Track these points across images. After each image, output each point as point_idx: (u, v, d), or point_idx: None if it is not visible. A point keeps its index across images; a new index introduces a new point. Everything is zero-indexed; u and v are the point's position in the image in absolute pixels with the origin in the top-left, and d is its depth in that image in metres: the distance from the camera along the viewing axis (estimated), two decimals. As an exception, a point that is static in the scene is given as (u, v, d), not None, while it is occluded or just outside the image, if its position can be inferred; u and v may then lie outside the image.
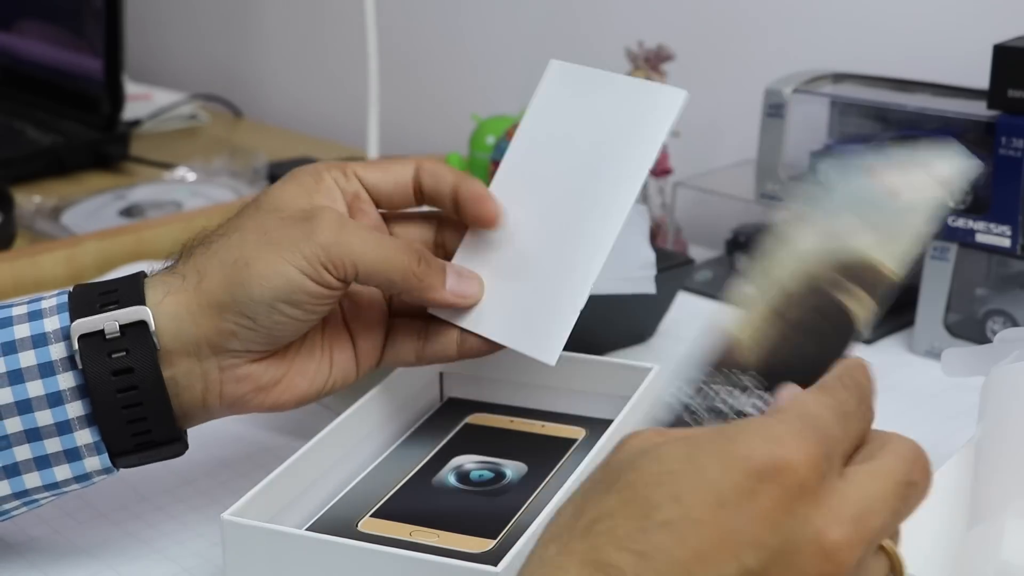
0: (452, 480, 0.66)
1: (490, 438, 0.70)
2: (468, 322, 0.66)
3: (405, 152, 1.32)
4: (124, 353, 0.60)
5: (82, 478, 0.62)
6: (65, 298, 0.62)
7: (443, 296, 0.65)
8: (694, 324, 0.95)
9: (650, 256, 0.82)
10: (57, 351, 0.60)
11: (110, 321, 0.60)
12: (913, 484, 0.45)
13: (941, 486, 0.59)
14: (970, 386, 0.68)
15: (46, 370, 0.60)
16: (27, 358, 0.60)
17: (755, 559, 0.41)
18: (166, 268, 0.63)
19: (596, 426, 0.70)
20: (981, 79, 0.86)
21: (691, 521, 0.42)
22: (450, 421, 0.72)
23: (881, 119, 0.94)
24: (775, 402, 0.48)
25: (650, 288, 0.80)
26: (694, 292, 1.01)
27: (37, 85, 1.43)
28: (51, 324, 0.60)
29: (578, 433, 0.70)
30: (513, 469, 0.66)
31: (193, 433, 0.65)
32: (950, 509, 0.57)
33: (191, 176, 1.25)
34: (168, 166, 1.29)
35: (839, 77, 0.99)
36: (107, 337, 0.60)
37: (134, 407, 0.60)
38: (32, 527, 0.69)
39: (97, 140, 1.33)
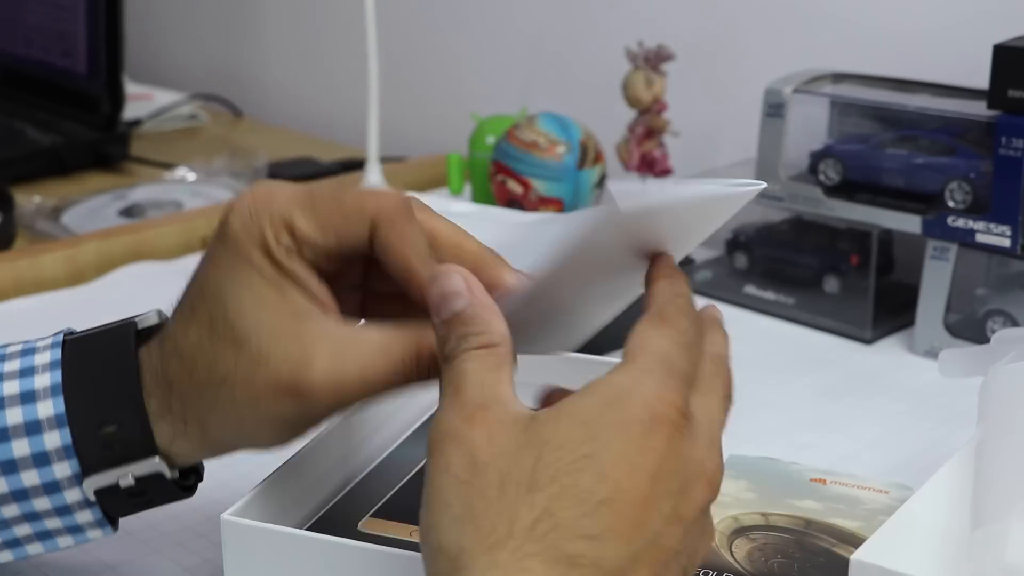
0: None
1: None
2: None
3: (405, 152, 1.32)
4: (143, 495, 0.59)
5: (84, 542, 0.61)
6: (59, 377, 0.57)
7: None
8: (694, 324, 0.95)
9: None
10: (52, 440, 0.57)
11: (126, 477, 0.57)
12: (729, 396, 0.51)
13: (942, 487, 0.59)
14: (970, 386, 0.68)
15: (52, 488, 0.58)
16: (20, 447, 0.57)
17: (669, 506, 0.46)
18: (156, 384, 0.57)
19: None
20: (981, 79, 0.86)
21: (622, 492, 0.45)
22: None
23: (881, 119, 0.94)
24: (633, 338, 0.49)
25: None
26: (694, 292, 1.00)
27: (37, 85, 1.43)
28: (45, 410, 0.57)
29: None
30: None
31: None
32: (952, 511, 0.57)
33: (191, 176, 1.25)
34: (168, 166, 1.29)
35: (839, 77, 0.99)
36: (123, 486, 0.58)
37: (144, 504, 0.60)
38: (32, 527, 0.69)
39: (97, 140, 1.33)
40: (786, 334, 0.95)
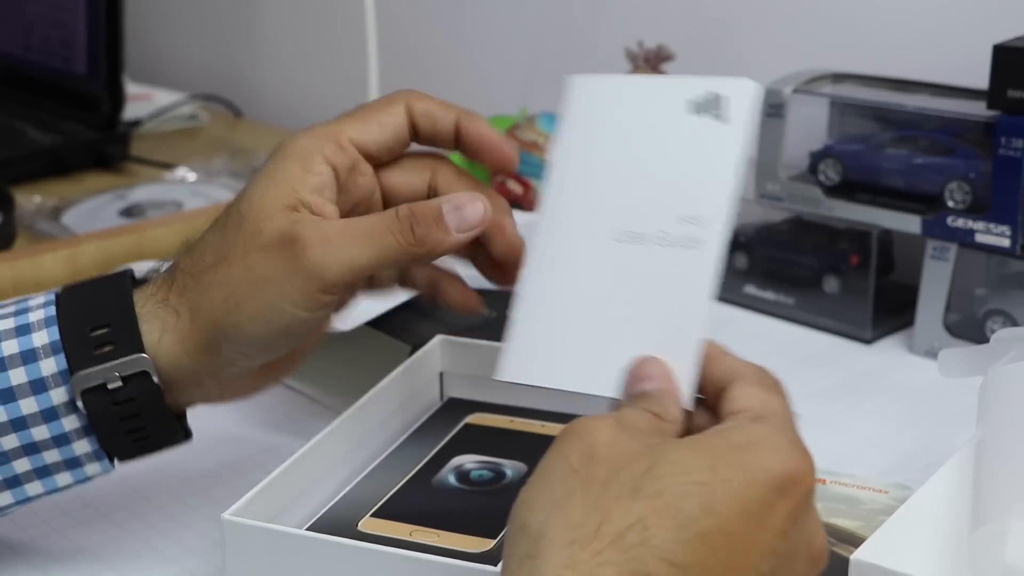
0: (452, 480, 0.65)
1: (490, 438, 0.70)
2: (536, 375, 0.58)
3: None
4: (129, 400, 0.59)
5: (82, 481, 0.62)
6: (53, 311, 0.60)
7: (454, 242, 0.59)
8: (694, 324, 0.95)
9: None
10: (48, 366, 0.59)
11: (112, 375, 0.59)
12: None
13: (942, 487, 0.59)
14: (970, 386, 0.68)
15: (38, 386, 0.59)
16: (18, 375, 0.59)
17: (768, 566, 0.45)
18: (157, 288, 0.61)
19: None
20: (981, 79, 0.86)
21: (724, 533, 0.44)
22: (450, 421, 0.72)
23: (881, 119, 0.94)
24: (742, 403, 0.50)
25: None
26: (694, 292, 1.01)
27: (37, 85, 1.43)
28: (40, 339, 0.59)
29: None
30: (513, 469, 0.66)
31: (194, 433, 0.65)
32: (952, 511, 0.57)
33: (191, 176, 1.25)
34: (168, 166, 1.29)
35: (839, 77, 0.99)
36: (111, 387, 0.59)
37: (137, 430, 0.61)
38: (32, 527, 0.69)
39: (97, 140, 1.33)
40: (786, 334, 0.95)
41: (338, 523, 0.62)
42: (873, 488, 0.70)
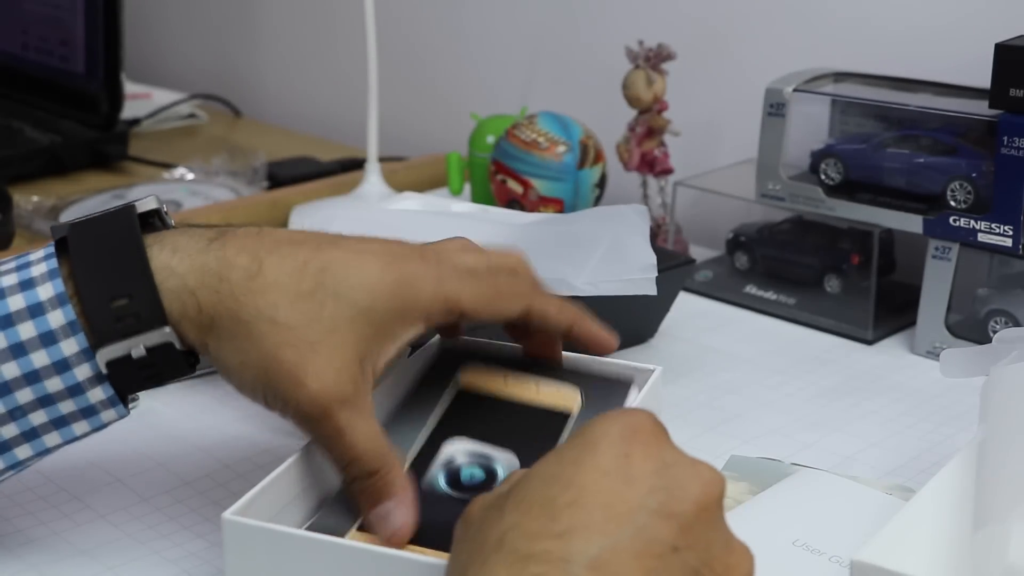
0: (442, 483, 0.63)
1: (482, 414, 0.67)
2: None
3: (405, 152, 1.32)
4: (153, 367, 0.60)
5: (100, 428, 0.62)
6: (55, 263, 0.59)
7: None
8: (694, 324, 0.95)
9: (651, 258, 0.81)
10: (56, 319, 0.59)
11: (137, 347, 0.59)
12: None
13: (944, 488, 0.59)
14: (972, 386, 0.68)
15: (62, 366, 0.59)
16: (27, 330, 0.59)
17: (656, 500, 0.47)
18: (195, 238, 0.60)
19: (592, 389, 0.67)
20: (982, 78, 0.85)
21: (591, 493, 0.47)
22: (441, 384, 0.69)
23: (882, 118, 0.94)
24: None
25: (651, 290, 0.80)
26: (694, 292, 1.00)
27: (36, 84, 1.42)
28: (45, 292, 0.59)
29: (572, 400, 0.67)
30: (504, 464, 0.64)
31: (194, 434, 0.65)
32: (954, 511, 0.57)
33: (190, 175, 1.25)
34: (167, 166, 1.29)
35: (840, 76, 0.98)
36: (135, 357, 0.59)
37: (154, 377, 0.61)
38: (31, 528, 0.69)
39: (96, 139, 1.32)
40: (787, 334, 0.95)
41: (338, 523, 0.61)
42: (874, 489, 0.69)
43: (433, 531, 0.60)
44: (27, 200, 1.17)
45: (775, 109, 0.95)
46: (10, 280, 0.60)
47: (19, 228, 1.11)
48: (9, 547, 0.67)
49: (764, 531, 0.64)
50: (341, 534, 0.61)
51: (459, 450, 0.65)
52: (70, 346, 0.59)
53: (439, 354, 0.72)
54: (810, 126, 0.97)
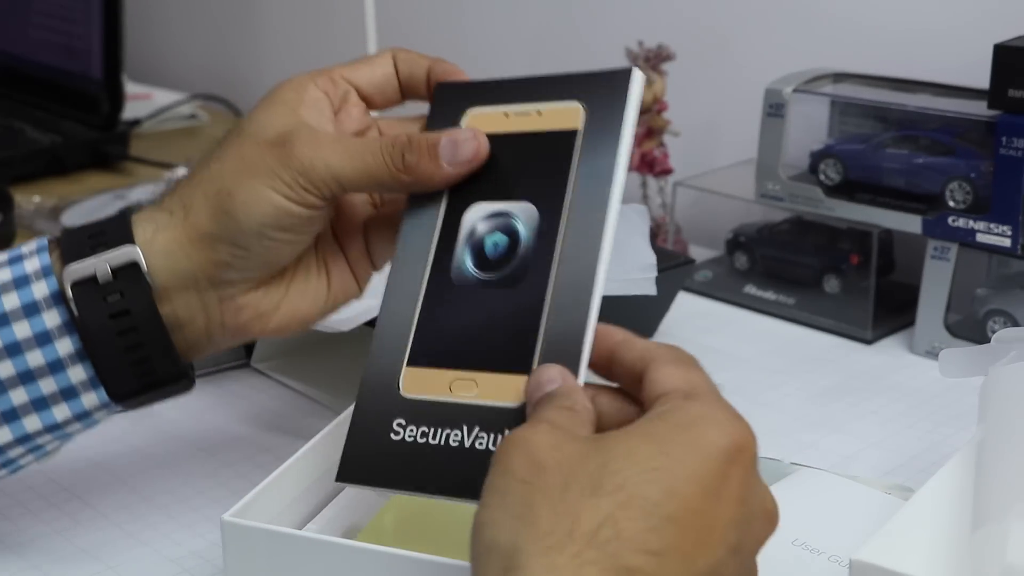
0: (470, 266, 0.59)
1: (494, 163, 0.62)
2: None
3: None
4: (119, 296, 0.59)
5: (82, 416, 0.61)
6: (44, 242, 0.61)
7: (445, 176, 0.59)
8: (694, 324, 0.95)
9: (651, 258, 0.82)
10: (40, 290, 0.59)
11: (101, 264, 0.59)
12: None
13: (943, 487, 0.59)
14: (971, 386, 0.68)
15: (31, 310, 0.59)
16: (10, 300, 0.59)
17: (735, 535, 0.46)
18: (153, 204, 0.63)
19: (592, 97, 0.61)
20: (981, 79, 0.85)
21: (690, 512, 0.45)
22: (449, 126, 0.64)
23: (881, 119, 0.94)
24: (666, 384, 0.50)
25: (651, 290, 0.80)
26: (694, 292, 1.01)
27: (37, 85, 1.43)
28: (31, 265, 0.60)
29: (575, 116, 0.61)
30: (524, 220, 0.59)
31: (195, 434, 0.65)
32: (952, 511, 0.57)
33: (191, 176, 1.25)
34: (168, 166, 1.29)
35: (839, 77, 0.99)
36: (101, 282, 0.59)
37: (135, 348, 0.60)
38: (32, 527, 0.69)
39: (97, 140, 1.33)
40: (786, 334, 0.95)
41: (381, 383, 0.59)
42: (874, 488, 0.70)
43: (473, 347, 0.58)
44: (28, 200, 1.17)
45: (775, 109, 0.95)
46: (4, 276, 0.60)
47: (20, 228, 1.11)
48: (11, 546, 0.67)
49: (763, 530, 0.64)
50: (395, 383, 0.59)
51: (478, 216, 0.60)
52: (53, 317, 0.59)
53: (439, 102, 0.66)
54: (809, 126, 0.97)
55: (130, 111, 1.37)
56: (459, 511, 0.62)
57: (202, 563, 0.66)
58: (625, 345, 0.53)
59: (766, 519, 0.48)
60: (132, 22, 1.36)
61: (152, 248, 0.60)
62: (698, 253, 1.04)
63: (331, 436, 0.65)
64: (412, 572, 0.55)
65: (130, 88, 1.39)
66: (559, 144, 0.60)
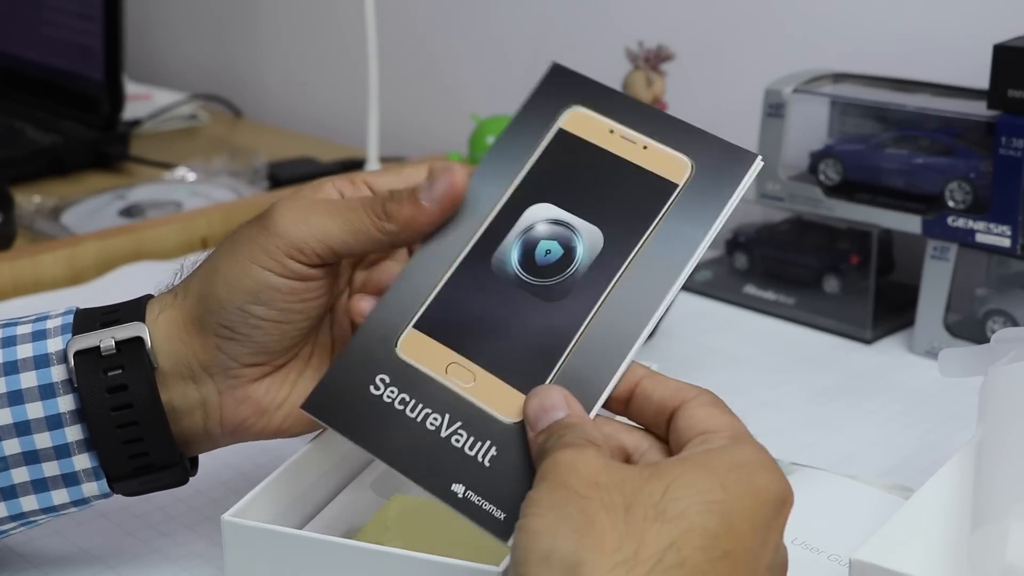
0: (514, 262, 0.57)
1: (575, 170, 0.59)
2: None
3: (405, 152, 1.32)
4: (120, 371, 0.58)
5: (80, 502, 0.61)
6: (71, 318, 0.61)
7: (428, 215, 0.58)
8: (694, 324, 0.95)
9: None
10: (58, 372, 0.59)
11: (106, 337, 0.59)
12: None
13: (943, 487, 0.59)
14: (970, 386, 0.68)
15: (47, 392, 0.59)
16: (28, 379, 0.59)
17: None
18: (169, 287, 0.62)
19: (705, 161, 0.59)
20: (981, 79, 0.86)
21: (742, 549, 0.46)
22: (544, 117, 0.61)
23: (881, 119, 0.94)
24: (708, 424, 0.51)
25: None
26: (694, 292, 1.01)
27: (37, 85, 1.43)
28: (54, 345, 0.59)
29: (681, 169, 0.59)
30: (586, 242, 0.57)
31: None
32: (952, 511, 0.57)
33: (191, 176, 1.25)
34: (168, 166, 1.29)
35: (839, 77, 0.99)
36: (103, 354, 0.58)
37: (129, 426, 0.59)
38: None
39: (97, 140, 1.33)
40: (786, 334, 0.95)
41: (379, 335, 0.58)
42: (873, 488, 0.70)
43: (487, 342, 0.56)
44: (29, 200, 1.17)
45: (774, 110, 0.95)
46: (24, 329, 0.61)
47: (21, 228, 1.12)
48: (12, 545, 0.67)
49: (763, 530, 0.64)
50: (395, 337, 0.58)
51: (540, 216, 0.58)
52: (66, 403, 0.59)
53: (547, 83, 0.62)
54: (809, 127, 0.97)
55: (130, 111, 1.37)
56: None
57: (202, 563, 0.66)
58: (652, 381, 0.53)
59: (782, 571, 0.50)
60: (132, 22, 1.37)
61: (156, 329, 0.60)
62: (698, 253, 1.04)
63: (331, 436, 0.65)
64: (412, 572, 0.55)
65: (130, 88, 1.39)
66: (654, 189, 0.58)
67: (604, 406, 0.54)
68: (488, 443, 0.54)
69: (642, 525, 0.45)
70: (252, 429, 0.62)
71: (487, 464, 0.54)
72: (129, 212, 1.18)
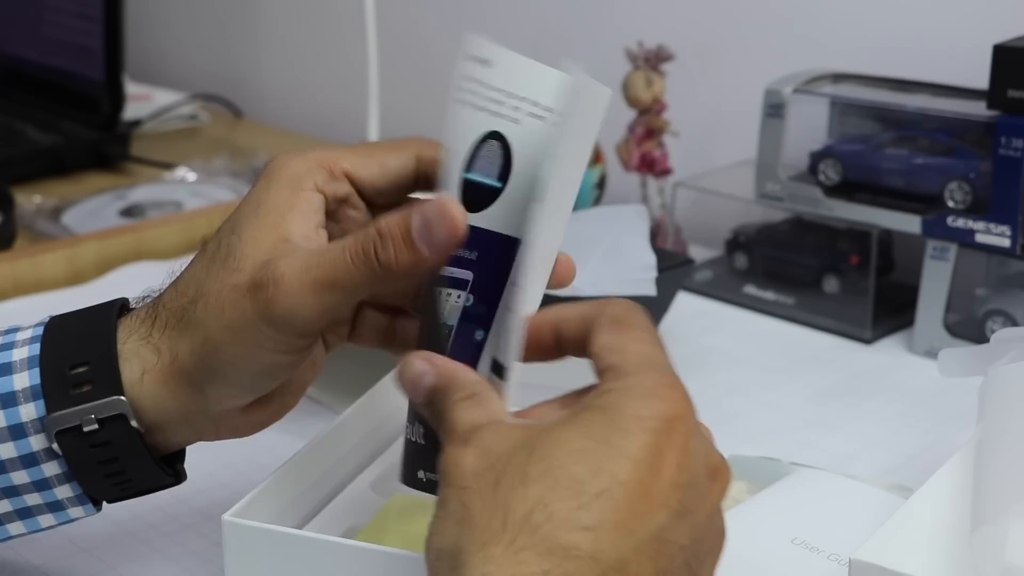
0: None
1: None
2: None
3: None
4: (105, 444, 0.57)
5: (69, 522, 0.60)
6: (37, 349, 0.57)
7: (431, 264, 0.54)
8: (694, 324, 0.95)
9: (651, 258, 0.82)
10: (27, 412, 0.57)
11: (87, 416, 0.56)
12: None
13: (942, 487, 0.59)
14: (970, 386, 0.68)
15: (17, 432, 0.57)
16: (7, 449, 0.57)
17: (676, 500, 0.46)
18: (141, 322, 0.58)
19: None
20: (981, 79, 0.86)
21: (619, 484, 0.45)
22: None
23: (881, 119, 0.94)
24: (605, 352, 0.49)
25: (651, 290, 0.80)
26: (694, 292, 1.01)
27: (37, 85, 1.43)
28: (21, 382, 0.57)
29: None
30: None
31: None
32: (952, 511, 0.57)
33: (191, 176, 1.25)
34: (168, 166, 1.29)
35: (839, 77, 0.99)
36: (86, 431, 0.57)
37: (117, 474, 0.58)
38: (33, 527, 0.69)
39: (97, 140, 1.33)
40: (786, 334, 0.95)
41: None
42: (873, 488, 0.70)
43: None
44: (29, 201, 1.17)
45: (774, 110, 0.95)
46: None
47: (21, 228, 1.12)
48: (12, 545, 0.67)
49: (763, 529, 0.64)
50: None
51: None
52: (39, 441, 0.57)
53: None
54: (809, 127, 0.97)
55: (131, 111, 1.37)
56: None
57: (203, 562, 0.66)
58: (564, 314, 0.52)
59: (712, 475, 0.48)
60: (132, 22, 1.37)
61: (139, 391, 0.57)
62: (698, 253, 1.04)
63: (331, 436, 0.65)
64: (412, 572, 0.55)
65: (131, 88, 1.39)
66: None
67: (539, 358, 0.53)
68: (416, 423, 0.56)
69: (508, 494, 0.45)
70: (247, 432, 0.61)
71: (423, 442, 0.55)
72: (129, 212, 1.18)
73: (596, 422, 0.46)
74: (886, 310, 0.94)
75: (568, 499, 0.44)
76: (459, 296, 0.55)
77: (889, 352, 0.91)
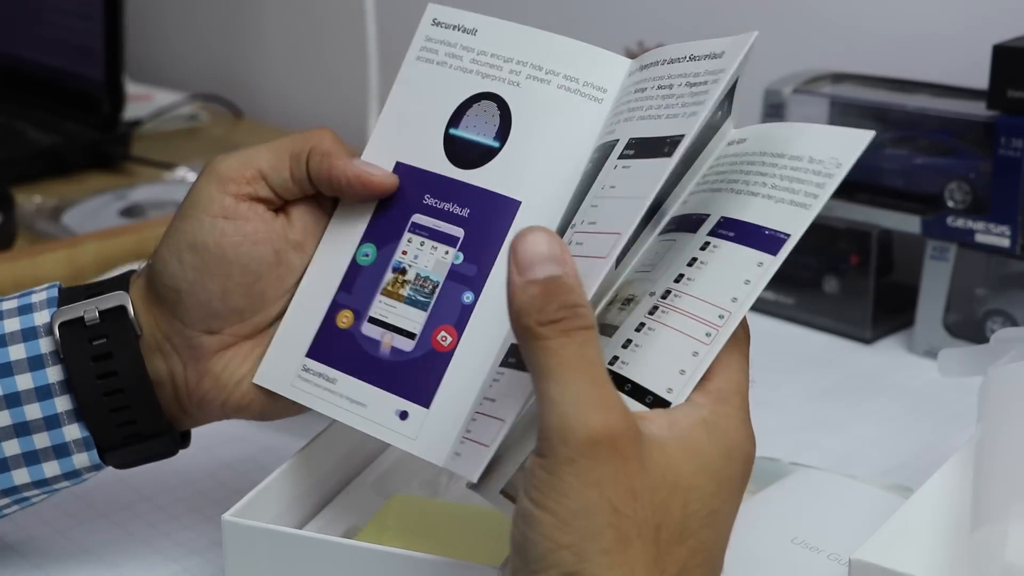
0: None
1: None
2: None
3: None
4: (104, 339, 0.60)
5: (71, 475, 0.61)
6: (55, 291, 0.62)
7: (351, 169, 0.61)
8: (694, 324, 0.95)
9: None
10: (46, 344, 0.60)
11: (90, 307, 0.60)
12: None
13: (942, 487, 0.59)
14: (970, 386, 0.68)
15: (35, 363, 0.60)
16: (17, 351, 0.60)
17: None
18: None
19: None
20: (980, 79, 0.86)
21: (722, 551, 0.49)
22: None
23: (881, 119, 0.94)
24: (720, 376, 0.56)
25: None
26: (694, 292, 1.01)
27: (38, 85, 1.43)
28: (41, 318, 0.61)
29: None
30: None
31: (195, 433, 0.65)
32: (952, 511, 0.57)
33: (191, 176, 1.26)
34: (168, 166, 1.29)
35: (839, 77, 0.99)
36: (87, 324, 0.60)
37: (116, 394, 0.60)
38: (33, 527, 0.69)
39: (98, 140, 1.33)
40: (786, 334, 0.95)
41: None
42: (873, 487, 0.70)
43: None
44: (29, 200, 1.17)
45: (774, 110, 0.95)
46: (10, 304, 0.61)
47: (21, 228, 1.12)
48: (12, 545, 0.68)
49: (763, 529, 0.64)
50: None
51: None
52: (55, 373, 0.60)
53: None
54: (809, 127, 0.97)
55: (131, 111, 1.38)
56: (459, 511, 0.62)
57: (203, 562, 0.66)
58: None
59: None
60: (132, 22, 1.37)
61: (135, 296, 0.61)
62: (698, 253, 1.04)
63: (331, 436, 0.65)
64: (412, 572, 0.55)
65: (131, 89, 1.39)
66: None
67: None
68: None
69: (666, 550, 0.46)
70: (214, 404, 0.61)
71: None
72: (130, 212, 1.18)
73: (723, 476, 0.50)
74: (886, 310, 0.94)
75: (702, 568, 0.48)
76: (446, 252, 0.56)
77: (889, 352, 0.91)
